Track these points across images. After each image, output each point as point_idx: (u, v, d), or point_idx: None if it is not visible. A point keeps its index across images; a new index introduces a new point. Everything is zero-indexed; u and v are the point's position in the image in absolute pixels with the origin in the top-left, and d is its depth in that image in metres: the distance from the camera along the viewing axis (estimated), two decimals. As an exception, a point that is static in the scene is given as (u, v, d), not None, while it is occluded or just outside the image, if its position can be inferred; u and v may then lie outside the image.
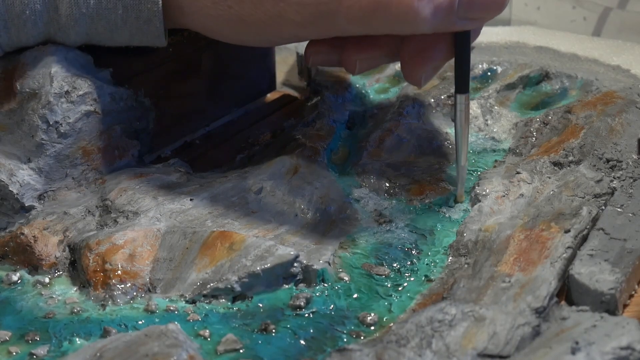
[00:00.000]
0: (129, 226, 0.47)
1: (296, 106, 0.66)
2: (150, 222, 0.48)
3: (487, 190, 0.51)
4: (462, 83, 0.51)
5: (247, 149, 0.59)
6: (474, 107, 0.62)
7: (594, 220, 0.47)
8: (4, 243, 0.48)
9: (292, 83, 0.71)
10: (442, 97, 0.62)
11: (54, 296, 0.45)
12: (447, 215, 0.51)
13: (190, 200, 0.50)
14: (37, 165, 0.50)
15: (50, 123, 0.50)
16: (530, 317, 0.40)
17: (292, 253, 0.45)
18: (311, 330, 0.42)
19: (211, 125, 0.63)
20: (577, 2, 0.82)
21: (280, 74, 0.70)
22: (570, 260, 0.44)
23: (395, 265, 0.47)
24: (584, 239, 0.46)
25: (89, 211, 0.50)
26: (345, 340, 0.42)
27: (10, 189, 0.49)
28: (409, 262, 0.47)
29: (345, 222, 0.51)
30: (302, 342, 0.41)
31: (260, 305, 0.44)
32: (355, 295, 0.45)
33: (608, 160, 0.52)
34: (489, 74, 0.66)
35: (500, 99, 0.64)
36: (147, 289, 0.45)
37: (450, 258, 0.47)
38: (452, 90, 0.62)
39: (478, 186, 0.52)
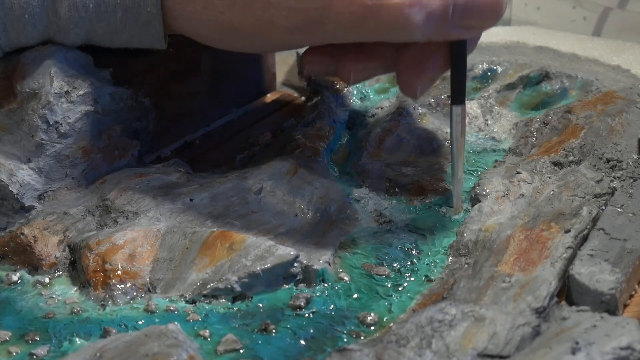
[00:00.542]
0: (129, 226, 0.47)
1: (296, 106, 0.66)
2: (150, 222, 0.48)
3: (487, 190, 0.51)
4: (458, 94, 0.49)
5: (247, 149, 0.59)
6: (474, 107, 0.62)
7: (594, 220, 0.47)
8: (4, 243, 0.48)
9: (292, 83, 0.71)
10: (442, 97, 0.62)
11: (54, 296, 0.45)
12: (447, 215, 0.51)
13: (190, 200, 0.50)
14: (37, 165, 0.50)
15: (50, 123, 0.50)
16: (530, 317, 0.40)
17: (292, 253, 0.45)
18: (311, 330, 0.42)
19: (211, 125, 0.63)
20: (577, 2, 0.82)
21: (280, 74, 0.71)
22: (570, 260, 0.44)
23: (395, 265, 0.47)
24: (584, 239, 0.46)
25: (89, 211, 0.50)
26: (345, 340, 0.42)
27: (10, 189, 0.49)
28: (409, 262, 0.47)
29: (345, 222, 0.51)
30: (302, 342, 0.41)
31: (260, 305, 0.44)
32: (355, 295, 0.45)
33: (608, 160, 0.52)
34: (489, 74, 0.66)
35: (501, 99, 0.64)
36: (147, 289, 0.45)
37: (451, 258, 0.47)
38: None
39: (478, 186, 0.52)
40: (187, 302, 0.44)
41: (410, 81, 0.50)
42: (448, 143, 0.58)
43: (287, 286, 0.45)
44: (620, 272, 0.43)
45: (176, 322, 0.40)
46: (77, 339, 0.42)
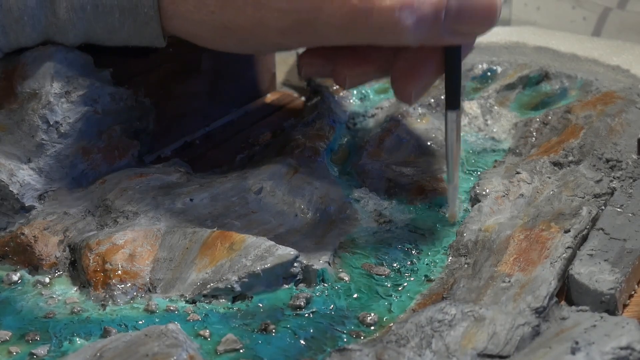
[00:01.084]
0: (129, 226, 0.47)
1: (296, 106, 0.66)
2: (150, 222, 0.48)
3: (487, 190, 0.51)
4: (453, 99, 0.49)
5: (247, 149, 0.59)
6: (474, 107, 0.62)
7: (594, 220, 0.47)
8: (4, 243, 0.48)
9: (292, 83, 0.71)
10: (442, 97, 0.62)
11: (54, 296, 0.45)
12: (447, 215, 0.51)
13: (190, 200, 0.50)
14: (37, 165, 0.50)
15: (51, 123, 0.50)
16: (530, 317, 0.40)
17: (292, 253, 0.45)
18: (311, 330, 0.42)
19: (211, 125, 0.63)
20: (576, 2, 0.82)
21: (280, 74, 0.71)
22: (570, 260, 0.44)
23: (395, 265, 0.47)
24: (584, 239, 0.46)
25: (89, 211, 0.50)
26: (345, 340, 0.42)
27: (11, 189, 0.49)
28: (409, 262, 0.47)
29: (345, 222, 0.51)
30: (302, 342, 0.41)
31: (260, 305, 0.44)
32: (355, 295, 0.45)
33: (608, 160, 0.52)
34: (488, 74, 0.66)
35: (500, 99, 0.64)
36: (147, 289, 0.45)
37: (450, 258, 0.47)
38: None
39: (478, 186, 0.52)
40: (187, 302, 0.44)
41: (404, 87, 0.49)
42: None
43: (287, 286, 0.45)
44: (619, 272, 0.43)
45: (176, 322, 0.40)
46: (77, 339, 0.42)
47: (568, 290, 0.43)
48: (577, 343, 0.37)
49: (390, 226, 0.51)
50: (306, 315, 0.43)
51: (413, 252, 0.48)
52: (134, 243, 0.46)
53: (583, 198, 0.49)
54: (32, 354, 0.40)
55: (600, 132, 0.55)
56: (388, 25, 0.44)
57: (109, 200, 0.50)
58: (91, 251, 0.46)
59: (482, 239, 0.47)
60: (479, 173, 0.55)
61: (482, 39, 0.70)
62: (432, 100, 0.61)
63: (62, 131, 0.50)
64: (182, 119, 0.61)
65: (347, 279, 0.46)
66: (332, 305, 0.44)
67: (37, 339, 0.42)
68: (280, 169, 0.53)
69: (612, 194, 0.50)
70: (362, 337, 0.42)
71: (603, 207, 0.48)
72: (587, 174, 0.51)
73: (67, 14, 0.50)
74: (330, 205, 0.51)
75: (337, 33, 0.46)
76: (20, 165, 0.50)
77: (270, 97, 0.68)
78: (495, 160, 0.57)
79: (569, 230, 0.46)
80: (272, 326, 0.42)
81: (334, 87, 0.64)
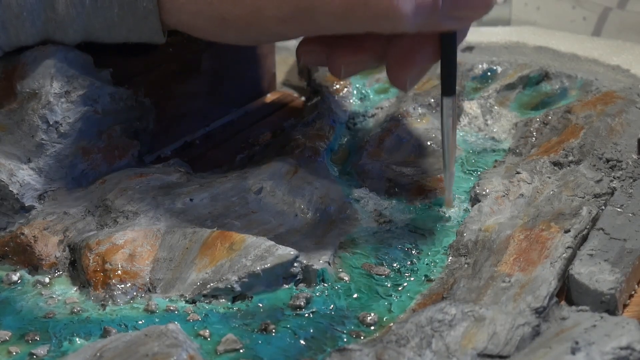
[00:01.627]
0: (129, 226, 0.47)
1: (296, 106, 0.66)
2: (150, 222, 0.48)
3: (487, 190, 0.51)
4: (449, 86, 0.49)
5: (247, 149, 0.59)
6: (474, 107, 0.62)
7: (594, 220, 0.47)
8: (4, 243, 0.48)
9: (292, 83, 0.71)
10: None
11: (54, 296, 0.45)
12: (447, 215, 0.51)
13: (190, 200, 0.50)
14: (37, 165, 0.50)
15: (50, 123, 0.50)
16: (530, 317, 0.40)
17: (292, 253, 0.45)
18: (311, 330, 0.42)
19: (211, 125, 0.63)
20: (576, 2, 0.82)
21: (280, 74, 0.71)
22: (570, 260, 0.44)
23: (395, 265, 0.47)
24: (584, 239, 0.46)
25: (89, 211, 0.50)
26: (345, 340, 0.42)
27: (10, 189, 0.49)
28: (409, 262, 0.47)
29: (345, 222, 0.51)
30: (302, 342, 0.41)
31: (260, 305, 0.44)
32: (355, 295, 0.45)
33: (608, 160, 0.52)
34: (488, 74, 0.66)
35: (500, 99, 0.64)
36: (147, 289, 0.45)
37: (450, 258, 0.47)
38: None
39: (478, 186, 0.52)
40: (187, 302, 0.44)
41: (399, 73, 0.49)
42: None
43: (287, 286, 0.45)
44: (619, 272, 0.43)
45: (176, 322, 0.40)
46: (77, 339, 0.42)
47: (568, 290, 0.43)
48: (577, 343, 0.37)
49: (390, 226, 0.51)
50: (306, 315, 0.43)
51: (413, 252, 0.48)
52: (134, 243, 0.46)
53: (583, 198, 0.49)
54: (31, 354, 0.40)
55: (601, 132, 0.55)
56: (387, 12, 0.44)
57: (108, 200, 0.50)
58: (91, 251, 0.46)
59: (482, 239, 0.47)
60: (479, 173, 0.55)
61: (482, 39, 0.70)
62: (432, 100, 0.61)
63: (62, 131, 0.50)
64: (182, 119, 0.61)
65: (347, 279, 0.46)
66: (332, 305, 0.44)
67: (36, 339, 0.42)
68: (280, 169, 0.53)
69: (612, 194, 0.50)
70: (362, 337, 0.42)
71: (603, 207, 0.48)
72: (587, 173, 0.51)
73: (66, 9, 0.50)
74: (330, 205, 0.51)
75: (336, 21, 0.46)
76: (20, 165, 0.50)
77: (270, 97, 0.68)
78: (496, 160, 0.57)
79: (569, 230, 0.46)
80: (272, 326, 0.42)
81: (334, 87, 0.64)
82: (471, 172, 0.56)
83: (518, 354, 0.38)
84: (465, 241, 0.47)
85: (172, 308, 0.43)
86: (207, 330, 0.42)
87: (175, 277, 0.45)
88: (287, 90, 0.70)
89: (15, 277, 0.46)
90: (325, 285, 0.45)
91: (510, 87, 0.64)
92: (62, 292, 0.45)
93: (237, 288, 0.44)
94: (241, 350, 0.41)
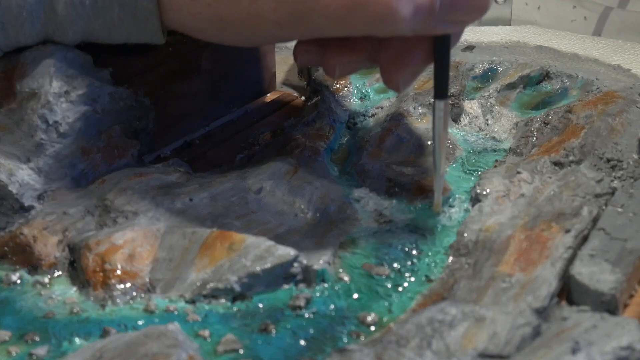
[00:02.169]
0: (129, 226, 0.47)
1: (296, 106, 0.66)
2: (149, 222, 0.48)
3: (488, 190, 0.51)
4: (441, 89, 0.49)
5: (247, 149, 0.59)
6: (474, 107, 0.62)
7: (595, 220, 0.47)
8: (3, 243, 0.48)
9: (292, 83, 0.71)
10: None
11: (53, 296, 0.45)
12: (447, 215, 0.51)
13: (190, 200, 0.50)
14: (37, 165, 0.50)
15: (50, 123, 0.50)
16: (530, 317, 0.39)
17: (292, 253, 0.45)
18: (311, 331, 0.42)
19: (211, 125, 0.63)
20: (577, 2, 0.82)
21: (280, 74, 0.71)
22: (570, 260, 0.44)
23: (395, 265, 0.47)
24: (585, 239, 0.46)
25: (89, 211, 0.50)
26: (345, 340, 0.42)
27: (10, 188, 0.49)
28: (409, 262, 0.47)
29: (345, 222, 0.51)
30: (302, 342, 0.41)
31: (260, 305, 0.44)
32: (355, 295, 0.45)
33: (609, 160, 0.52)
34: (489, 73, 0.66)
35: (501, 99, 0.64)
36: (146, 289, 0.45)
37: (451, 258, 0.47)
38: (452, 90, 0.62)
39: (478, 186, 0.52)
40: (186, 302, 0.44)
41: (392, 75, 0.49)
42: (448, 143, 0.58)
43: (287, 286, 0.45)
44: (620, 272, 0.43)
45: (176, 322, 0.40)
46: (77, 339, 0.41)
47: (569, 291, 0.43)
48: (577, 343, 0.37)
49: (390, 226, 0.50)
50: (306, 315, 0.43)
51: (413, 252, 0.48)
52: (134, 243, 0.46)
53: (584, 198, 0.49)
54: (31, 354, 0.40)
55: (601, 132, 0.55)
56: (385, 16, 0.44)
57: (108, 200, 0.50)
58: (90, 251, 0.46)
59: (483, 239, 0.47)
60: (479, 173, 0.55)
61: (482, 39, 0.70)
62: (433, 99, 0.61)
63: (62, 131, 0.50)
64: (182, 119, 0.61)
65: (347, 279, 0.46)
66: (332, 306, 0.44)
67: (36, 339, 0.42)
68: (280, 169, 0.53)
69: (613, 193, 0.50)
70: (362, 337, 0.42)
71: (604, 207, 0.48)
72: (587, 173, 0.51)
73: (66, 10, 0.50)
74: (330, 205, 0.51)
75: (334, 24, 0.46)
76: (20, 165, 0.49)
77: (270, 97, 0.68)
78: (496, 160, 0.57)
79: (569, 230, 0.46)
80: (272, 326, 0.42)
81: (334, 87, 0.64)
82: (472, 172, 0.56)
83: (518, 354, 0.38)
84: (465, 241, 0.47)
85: (171, 308, 0.43)
86: (207, 331, 0.42)
87: (175, 277, 0.45)
88: (287, 90, 0.70)
89: (14, 277, 0.46)
90: (325, 285, 0.45)
91: (510, 86, 0.64)
92: (62, 292, 0.45)
93: (237, 288, 0.44)
94: (241, 351, 0.41)
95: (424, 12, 0.45)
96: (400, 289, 0.45)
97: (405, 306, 0.44)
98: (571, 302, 0.43)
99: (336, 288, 0.45)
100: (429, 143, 0.58)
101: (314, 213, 0.51)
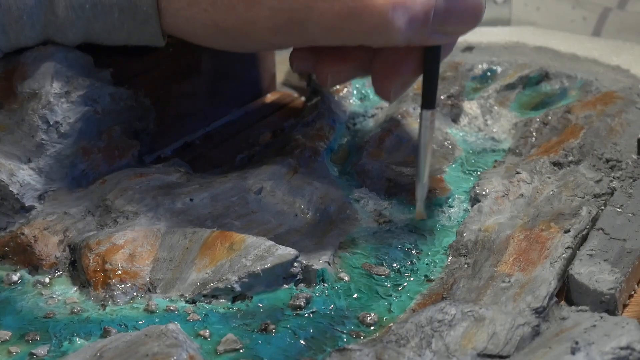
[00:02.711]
0: (129, 226, 0.47)
1: (296, 106, 0.66)
2: (150, 222, 0.48)
3: (487, 190, 0.51)
4: (429, 99, 0.49)
5: (247, 149, 0.59)
6: (474, 107, 0.62)
7: (594, 220, 0.47)
8: (4, 243, 0.48)
9: (292, 83, 0.71)
10: (442, 97, 0.62)
11: (54, 296, 0.45)
12: (447, 215, 0.51)
13: (190, 200, 0.50)
14: (37, 165, 0.50)
15: (51, 123, 0.50)
16: (529, 317, 0.40)
17: (292, 253, 0.45)
18: (311, 330, 0.42)
19: (211, 125, 0.63)
20: (576, 3, 0.82)
21: (280, 74, 0.71)
22: (570, 260, 0.44)
23: (395, 265, 0.47)
24: (584, 239, 0.46)
25: (89, 211, 0.50)
26: (345, 340, 0.42)
27: (11, 189, 0.49)
28: (408, 262, 0.47)
29: (345, 222, 0.51)
30: (302, 342, 0.41)
31: (260, 305, 0.44)
32: (355, 295, 0.45)
33: (608, 160, 0.52)
34: (488, 74, 0.66)
35: (500, 99, 0.64)
36: (147, 289, 0.45)
37: (450, 258, 0.47)
38: (452, 90, 0.62)
39: (478, 186, 0.52)
40: (187, 302, 0.44)
41: (384, 84, 0.50)
42: (447, 143, 0.58)
43: (287, 286, 0.45)
44: (619, 272, 0.43)
45: (176, 322, 0.40)
46: (77, 339, 0.42)
47: (568, 290, 0.43)
48: (577, 343, 0.37)
49: (390, 226, 0.51)
50: (306, 315, 0.43)
51: (413, 252, 0.48)
52: (134, 243, 0.46)
53: (583, 198, 0.49)
54: (32, 354, 0.40)
55: (600, 132, 0.55)
56: (380, 26, 0.44)
57: (109, 200, 0.50)
58: (91, 251, 0.46)
59: (482, 239, 0.47)
60: (478, 173, 0.55)
61: (482, 39, 0.70)
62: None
63: (62, 131, 0.50)
64: (182, 119, 0.61)
65: (347, 279, 0.46)
66: (332, 305, 0.44)
67: (37, 339, 0.42)
68: (280, 169, 0.53)
69: (612, 194, 0.50)
70: (362, 337, 0.42)
71: (603, 207, 0.49)
72: (587, 174, 0.51)
73: (66, 13, 0.50)
74: (330, 205, 0.51)
75: (328, 33, 0.46)
76: (20, 165, 0.50)
77: (270, 97, 0.68)
78: (495, 160, 0.57)
79: (568, 230, 0.46)
80: (272, 326, 0.42)
81: (335, 87, 0.64)
82: (471, 172, 0.56)
83: (518, 354, 0.38)
84: (465, 241, 0.47)
85: (172, 308, 0.43)
86: (207, 330, 0.42)
87: (175, 277, 0.45)
88: (287, 90, 0.70)
89: (15, 277, 0.46)
90: (325, 285, 0.45)
91: (510, 87, 0.65)
92: (62, 292, 0.45)
93: (237, 288, 0.44)
94: (241, 350, 0.41)
95: (418, 22, 0.45)
96: (400, 288, 0.46)
97: (405, 306, 0.44)
98: (570, 302, 0.43)
99: (336, 288, 0.45)
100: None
101: (314, 213, 0.51)
